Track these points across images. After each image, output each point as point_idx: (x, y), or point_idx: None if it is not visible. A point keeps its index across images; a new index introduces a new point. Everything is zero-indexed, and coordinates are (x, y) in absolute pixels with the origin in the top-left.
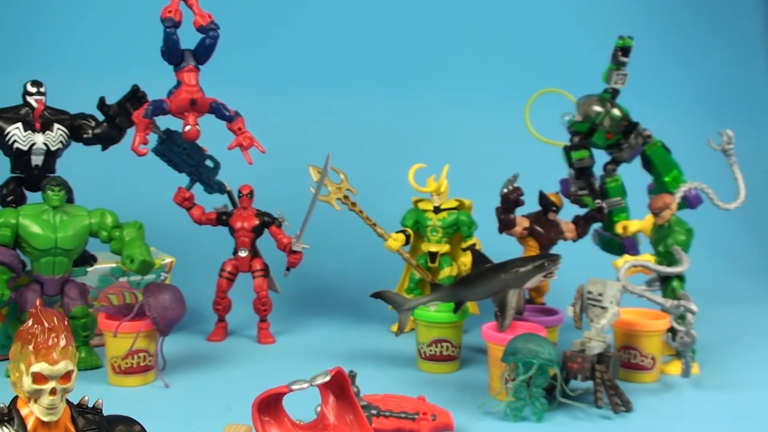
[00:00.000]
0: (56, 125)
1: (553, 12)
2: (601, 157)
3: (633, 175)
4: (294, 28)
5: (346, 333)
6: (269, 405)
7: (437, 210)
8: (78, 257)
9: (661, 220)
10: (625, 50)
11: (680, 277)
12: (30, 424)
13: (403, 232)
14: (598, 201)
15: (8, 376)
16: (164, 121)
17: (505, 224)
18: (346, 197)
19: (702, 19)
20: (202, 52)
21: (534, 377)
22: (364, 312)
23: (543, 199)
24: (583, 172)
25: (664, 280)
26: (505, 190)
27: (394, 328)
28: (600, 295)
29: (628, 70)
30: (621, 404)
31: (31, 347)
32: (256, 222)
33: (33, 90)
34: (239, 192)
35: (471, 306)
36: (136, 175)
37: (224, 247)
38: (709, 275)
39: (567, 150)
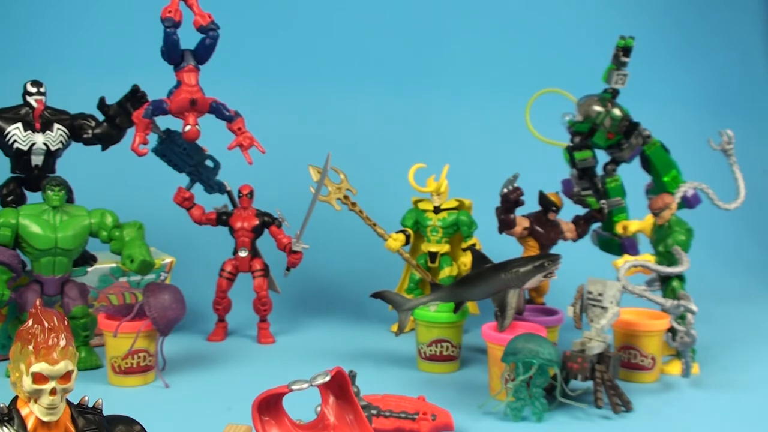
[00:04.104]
0: (56, 125)
1: (553, 12)
2: (600, 157)
3: (633, 175)
4: (294, 28)
5: (346, 333)
6: (269, 405)
7: (437, 210)
8: (78, 257)
9: (661, 220)
10: (627, 50)
11: (680, 277)
12: (30, 424)
13: (403, 232)
14: (602, 201)
15: (8, 376)
16: (164, 121)
17: (505, 224)
18: (346, 197)
19: (702, 19)
20: (202, 52)
21: (534, 377)
22: (364, 312)
23: (543, 199)
24: (586, 173)
25: (664, 280)
26: (505, 190)
27: (394, 328)
28: (600, 295)
29: (628, 70)
30: (621, 404)
31: (31, 347)
32: (256, 222)
33: (33, 90)
34: (239, 192)
35: (471, 306)
36: (136, 175)
37: (224, 247)
38: (709, 275)
39: (569, 150)
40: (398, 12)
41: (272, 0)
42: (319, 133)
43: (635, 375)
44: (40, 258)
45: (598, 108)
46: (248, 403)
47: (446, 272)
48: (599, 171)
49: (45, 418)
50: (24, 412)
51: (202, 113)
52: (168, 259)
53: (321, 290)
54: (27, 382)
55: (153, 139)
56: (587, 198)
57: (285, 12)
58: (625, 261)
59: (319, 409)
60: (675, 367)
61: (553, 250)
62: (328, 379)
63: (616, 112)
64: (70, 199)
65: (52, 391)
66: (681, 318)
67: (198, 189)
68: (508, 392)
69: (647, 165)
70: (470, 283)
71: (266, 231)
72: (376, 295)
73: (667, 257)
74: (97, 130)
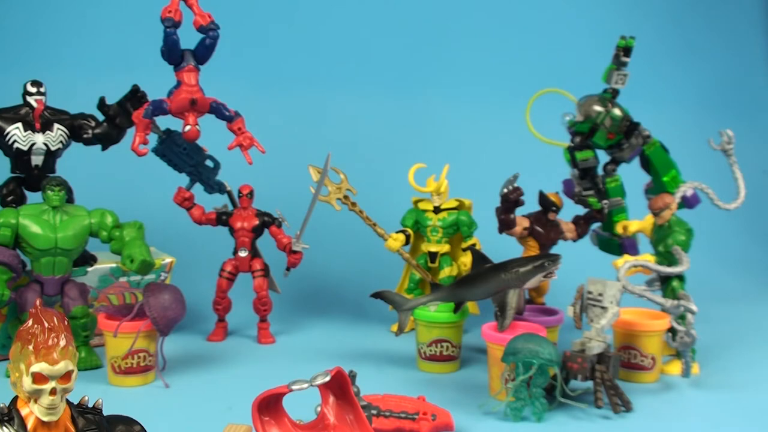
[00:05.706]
0: (56, 125)
1: (554, 12)
2: (600, 157)
3: (633, 175)
4: (294, 28)
5: (346, 333)
6: (269, 405)
7: (437, 210)
8: (78, 257)
9: (661, 220)
10: (627, 50)
11: (680, 277)
12: (30, 424)
13: (403, 232)
14: (604, 202)
15: (8, 376)
16: (164, 121)
17: (505, 224)
18: (346, 197)
19: (702, 19)
20: (202, 52)
21: (534, 377)
22: (364, 312)
23: (543, 199)
24: (587, 173)
25: (664, 280)
26: (505, 190)
27: (394, 328)
28: (600, 295)
29: (628, 70)
30: (621, 404)
31: (31, 347)
32: (256, 222)
33: (33, 90)
34: (239, 192)
35: (471, 306)
36: (136, 175)
37: (224, 247)
38: (709, 275)
39: (571, 150)
40: (398, 13)
41: (272, 0)
42: (319, 133)
43: (635, 375)
44: (40, 258)
45: (598, 108)
46: (248, 403)
47: (446, 272)
48: (599, 171)
49: (45, 418)
50: (24, 412)
51: (202, 113)
52: (168, 259)
53: (321, 290)
54: (27, 382)
55: (153, 139)
56: (589, 198)
57: (285, 12)
58: (625, 261)
59: (319, 409)
60: (675, 367)
61: (553, 250)
62: (328, 379)
63: (617, 112)
64: (70, 199)
65: (52, 391)
66: (681, 318)
67: (198, 189)
68: (508, 392)
69: (647, 165)
70: (470, 283)
71: (266, 231)
72: (376, 295)
73: (667, 257)
74: (97, 130)
